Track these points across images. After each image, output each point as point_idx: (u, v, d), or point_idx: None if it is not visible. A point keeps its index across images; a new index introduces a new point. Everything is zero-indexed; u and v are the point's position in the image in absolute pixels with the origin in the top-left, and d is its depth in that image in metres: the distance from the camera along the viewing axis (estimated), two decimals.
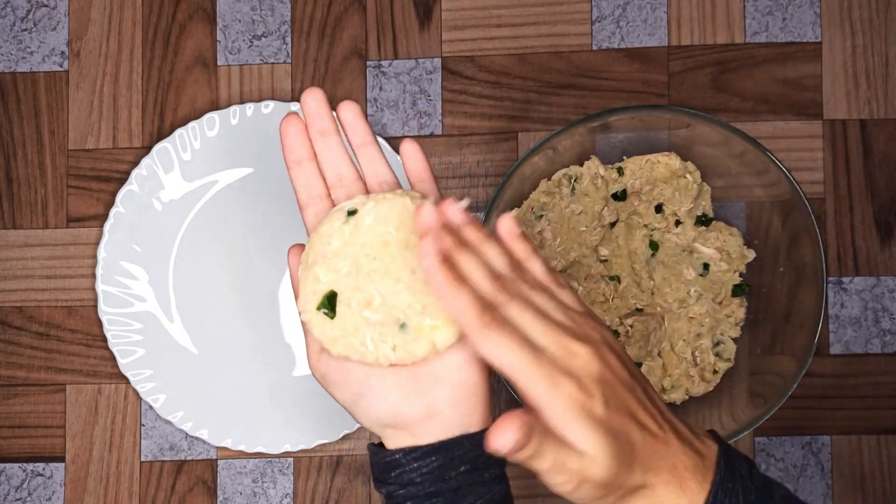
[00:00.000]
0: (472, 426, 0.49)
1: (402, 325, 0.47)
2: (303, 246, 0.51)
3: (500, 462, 0.50)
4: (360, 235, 0.48)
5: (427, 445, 0.48)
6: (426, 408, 0.49)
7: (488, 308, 0.43)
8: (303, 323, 0.50)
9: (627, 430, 0.45)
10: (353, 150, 0.53)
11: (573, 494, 0.44)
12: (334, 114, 0.53)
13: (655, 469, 0.46)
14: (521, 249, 0.48)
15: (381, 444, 0.51)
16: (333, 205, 0.52)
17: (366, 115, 0.51)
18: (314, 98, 0.51)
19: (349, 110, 0.52)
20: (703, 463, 0.47)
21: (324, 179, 0.53)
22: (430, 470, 0.48)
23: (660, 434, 0.46)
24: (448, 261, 0.44)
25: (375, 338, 0.47)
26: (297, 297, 0.49)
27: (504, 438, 0.41)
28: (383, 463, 0.49)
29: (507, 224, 0.47)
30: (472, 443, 0.49)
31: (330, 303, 0.47)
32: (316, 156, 0.52)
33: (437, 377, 0.49)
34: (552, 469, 0.43)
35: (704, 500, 0.46)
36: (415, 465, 0.48)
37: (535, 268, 0.48)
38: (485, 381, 0.50)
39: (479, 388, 0.49)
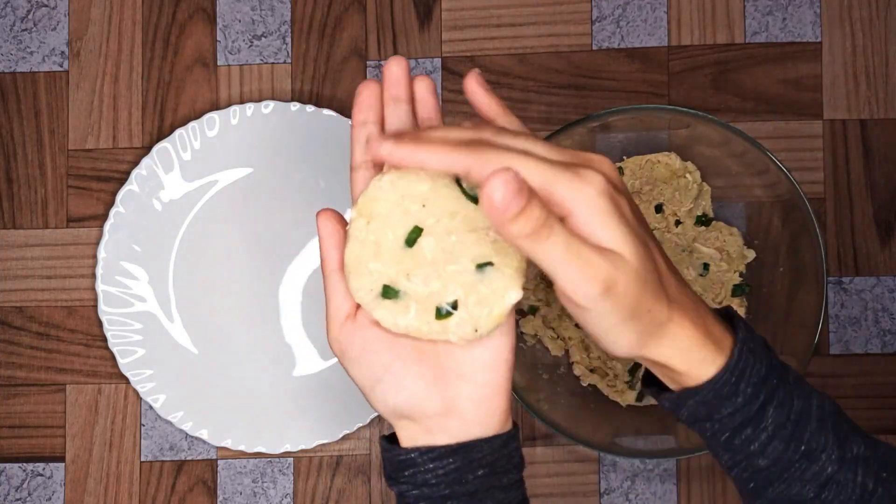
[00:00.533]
0: (491, 428, 0.48)
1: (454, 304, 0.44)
2: (334, 212, 0.48)
3: (518, 466, 0.49)
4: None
5: (445, 446, 0.47)
6: (446, 403, 0.47)
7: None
8: (329, 293, 0.47)
9: (653, 249, 0.43)
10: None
11: (598, 305, 0.41)
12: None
13: (681, 306, 0.44)
14: (496, 105, 0.48)
15: (392, 438, 0.49)
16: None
17: (437, 93, 0.49)
18: (398, 65, 0.48)
19: (423, 85, 0.49)
20: (720, 319, 0.46)
21: None
22: (446, 472, 0.47)
23: (678, 274, 0.45)
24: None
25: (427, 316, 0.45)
26: (323, 260, 0.47)
27: (499, 187, 0.37)
28: (397, 461, 0.48)
29: (476, 79, 0.47)
30: (492, 446, 0.47)
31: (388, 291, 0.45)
32: (383, 122, 0.49)
33: (462, 373, 0.47)
34: (574, 265, 0.39)
35: (730, 351, 0.45)
36: (430, 465, 0.47)
37: (514, 123, 0.48)
38: (508, 383, 0.48)
39: (502, 390, 0.48)
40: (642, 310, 0.42)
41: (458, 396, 0.47)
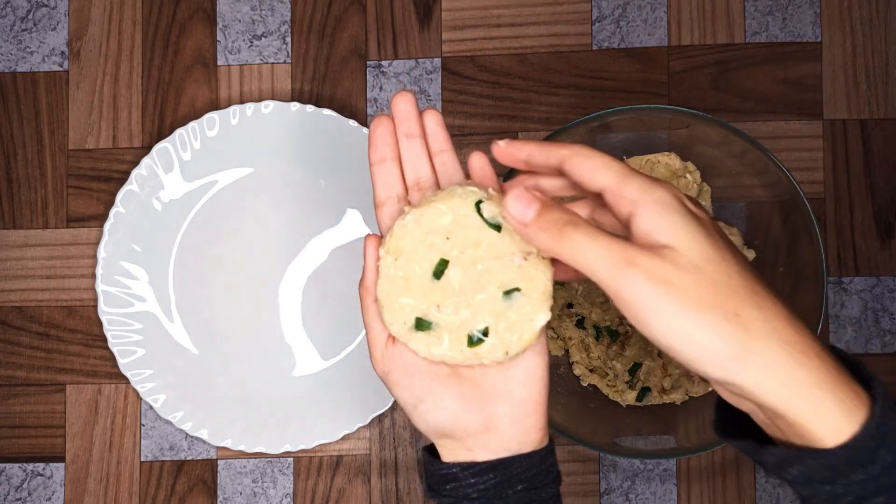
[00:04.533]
0: (529, 444, 0.49)
1: (484, 331, 0.46)
2: (379, 237, 0.49)
3: (555, 481, 0.50)
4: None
5: (485, 462, 0.48)
6: (485, 421, 0.48)
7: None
8: (369, 328, 0.49)
9: (731, 257, 0.40)
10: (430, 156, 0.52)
11: (636, 288, 0.38)
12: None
13: (795, 332, 0.39)
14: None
15: (433, 450, 0.50)
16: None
17: (445, 124, 0.52)
18: (406, 101, 0.50)
19: (431, 118, 0.51)
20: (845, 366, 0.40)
21: (403, 181, 0.51)
22: (486, 487, 0.47)
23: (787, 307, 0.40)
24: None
25: (457, 342, 0.47)
26: (365, 286, 0.49)
27: (519, 202, 0.41)
28: (439, 474, 0.49)
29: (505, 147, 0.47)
30: (531, 461, 0.48)
31: (420, 324, 0.47)
32: (399, 157, 0.51)
33: (500, 392, 0.48)
34: (603, 252, 0.39)
35: (869, 409, 0.39)
36: (472, 480, 0.48)
37: None
38: (544, 400, 0.49)
39: (539, 407, 0.49)
40: (717, 305, 0.38)
41: (496, 415, 0.48)
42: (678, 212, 0.40)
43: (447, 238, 0.46)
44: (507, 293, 0.46)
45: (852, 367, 0.42)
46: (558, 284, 0.73)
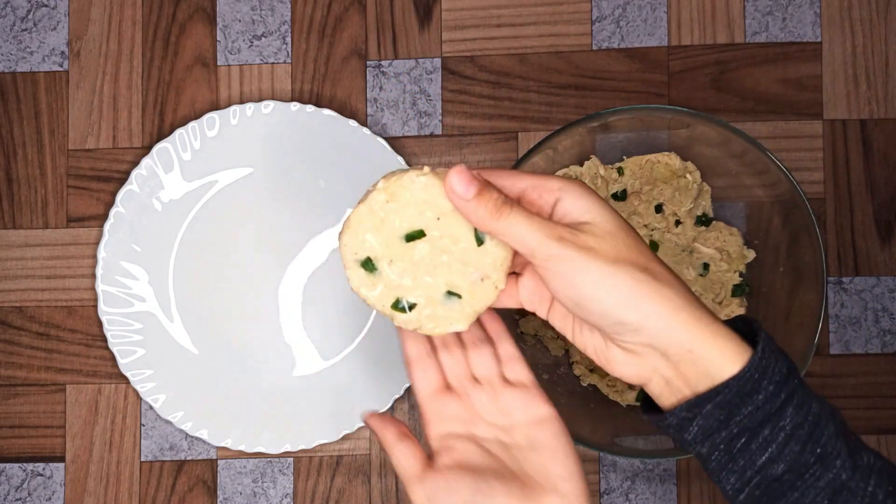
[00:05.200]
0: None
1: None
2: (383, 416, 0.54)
3: None
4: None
5: None
6: (545, 492, 0.51)
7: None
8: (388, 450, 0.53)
9: (637, 236, 0.47)
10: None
11: (567, 253, 0.45)
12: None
13: (687, 295, 0.46)
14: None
15: None
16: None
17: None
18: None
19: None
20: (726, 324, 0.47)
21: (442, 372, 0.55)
22: None
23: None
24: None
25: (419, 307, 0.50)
26: (385, 433, 0.53)
27: (461, 179, 0.46)
28: None
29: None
30: None
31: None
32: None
33: (537, 472, 0.51)
34: (536, 227, 0.45)
35: (753, 348, 0.45)
36: None
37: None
38: (570, 447, 0.52)
39: (569, 448, 0.52)
40: (631, 261, 0.45)
41: (545, 492, 0.51)
42: (592, 197, 0.47)
43: (438, 218, 0.49)
44: (449, 294, 0.49)
45: (743, 321, 0.48)
46: None
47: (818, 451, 0.45)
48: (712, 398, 0.45)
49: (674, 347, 0.45)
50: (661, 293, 0.45)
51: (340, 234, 0.49)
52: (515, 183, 0.48)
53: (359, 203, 0.49)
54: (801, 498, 0.45)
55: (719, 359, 0.45)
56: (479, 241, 0.49)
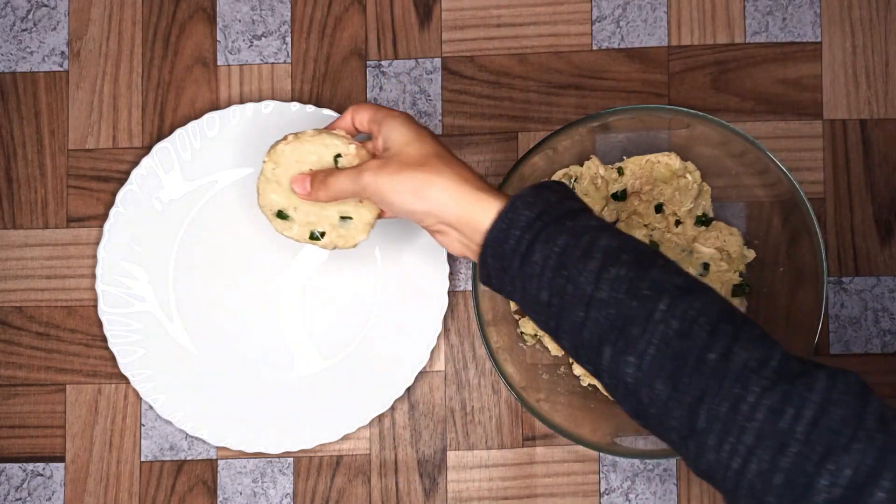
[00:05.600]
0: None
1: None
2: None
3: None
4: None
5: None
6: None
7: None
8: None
9: (427, 139, 0.59)
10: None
11: (373, 178, 0.58)
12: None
13: (457, 172, 0.57)
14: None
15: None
16: None
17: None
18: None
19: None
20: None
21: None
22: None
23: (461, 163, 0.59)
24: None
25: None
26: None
27: (298, 185, 0.63)
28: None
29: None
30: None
31: (282, 214, 0.66)
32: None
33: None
34: (348, 175, 0.60)
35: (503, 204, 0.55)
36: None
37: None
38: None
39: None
40: (412, 166, 0.57)
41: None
42: (389, 124, 0.60)
43: (311, 169, 0.64)
44: (343, 218, 0.64)
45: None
46: None
47: (565, 273, 0.52)
48: (486, 249, 0.56)
49: (455, 218, 0.56)
50: (437, 182, 0.56)
51: (257, 198, 0.65)
52: (358, 119, 0.64)
53: (260, 174, 0.65)
54: (570, 316, 0.52)
55: (482, 214, 0.55)
56: None
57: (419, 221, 0.58)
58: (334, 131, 0.64)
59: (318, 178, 0.62)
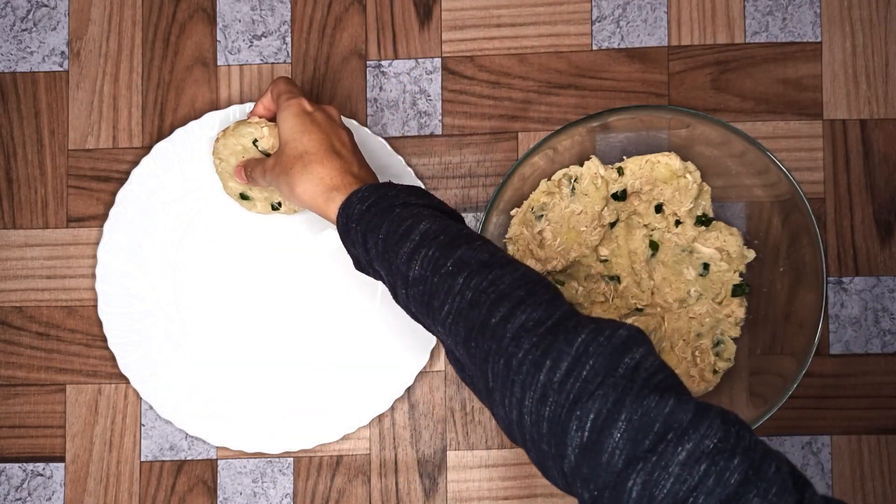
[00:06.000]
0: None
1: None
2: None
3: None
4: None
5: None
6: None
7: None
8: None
9: (314, 134, 0.65)
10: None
11: (271, 177, 0.66)
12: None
13: (331, 167, 0.63)
14: None
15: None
16: None
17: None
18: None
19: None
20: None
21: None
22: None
23: (357, 154, 0.66)
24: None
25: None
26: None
27: (238, 176, 0.71)
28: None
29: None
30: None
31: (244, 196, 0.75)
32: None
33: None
34: (261, 166, 0.67)
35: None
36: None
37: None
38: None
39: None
40: (291, 161, 0.64)
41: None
42: (286, 120, 0.65)
43: (243, 156, 0.71)
44: None
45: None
46: (558, 283, 0.73)
47: (388, 256, 0.57)
48: (343, 243, 0.62)
49: (318, 214, 0.63)
50: (300, 183, 0.62)
51: (223, 188, 0.75)
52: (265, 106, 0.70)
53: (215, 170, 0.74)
54: (396, 292, 0.58)
55: (333, 215, 0.61)
56: (266, 154, 0.71)
57: (295, 204, 0.67)
58: (249, 119, 0.70)
59: (248, 170, 0.70)
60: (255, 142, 0.70)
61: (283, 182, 0.64)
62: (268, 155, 0.70)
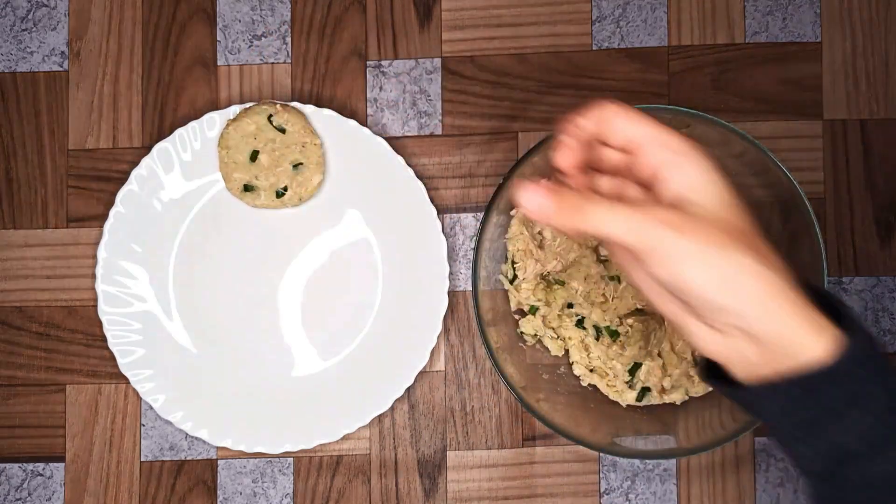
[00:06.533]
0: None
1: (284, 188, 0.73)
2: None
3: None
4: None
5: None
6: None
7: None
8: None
9: (735, 205, 0.45)
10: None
11: (662, 241, 0.42)
12: None
13: (778, 266, 0.44)
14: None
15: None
16: None
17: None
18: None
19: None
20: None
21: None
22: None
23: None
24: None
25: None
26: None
27: (534, 199, 0.43)
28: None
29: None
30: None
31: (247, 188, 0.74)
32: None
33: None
34: (623, 213, 0.42)
35: (842, 341, 0.43)
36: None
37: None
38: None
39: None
40: (735, 241, 0.43)
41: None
42: (702, 170, 0.45)
43: (255, 138, 0.72)
44: (295, 166, 0.72)
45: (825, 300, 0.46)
46: (558, 284, 0.73)
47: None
48: (801, 382, 0.43)
49: (767, 333, 0.43)
50: (764, 278, 0.43)
51: (225, 182, 0.73)
52: (626, 131, 0.46)
53: (219, 164, 0.73)
54: (871, 465, 0.43)
55: (809, 342, 0.43)
56: (282, 130, 0.72)
57: (700, 308, 0.44)
58: (261, 101, 0.71)
59: (570, 201, 0.44)
60: (269, 117, 0.71)
61: (712, 260, 0.42)
62: (282, 131, 0.70)
